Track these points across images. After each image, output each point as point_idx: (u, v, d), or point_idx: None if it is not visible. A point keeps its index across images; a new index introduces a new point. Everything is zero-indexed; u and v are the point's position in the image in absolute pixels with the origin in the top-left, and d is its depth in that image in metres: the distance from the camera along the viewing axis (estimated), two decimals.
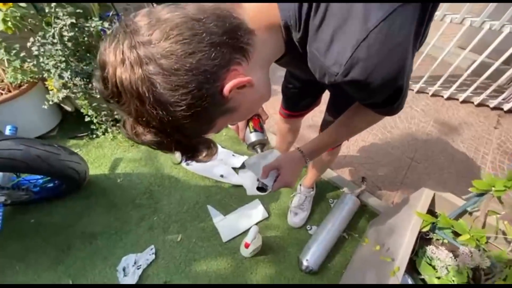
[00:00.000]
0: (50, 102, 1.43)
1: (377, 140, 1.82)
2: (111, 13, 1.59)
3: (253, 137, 0.65)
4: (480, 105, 2.07)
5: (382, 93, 0.47)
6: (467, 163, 1.74)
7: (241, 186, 1.54)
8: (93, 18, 1.42)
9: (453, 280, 0.78)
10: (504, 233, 0.84)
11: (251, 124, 0.67)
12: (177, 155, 0.43)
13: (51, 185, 1.33)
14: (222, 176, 1.55)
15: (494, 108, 2.05)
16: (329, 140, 0.72)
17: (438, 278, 0.84)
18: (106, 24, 1.38)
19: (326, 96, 0.98)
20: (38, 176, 1.28)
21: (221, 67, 0.35)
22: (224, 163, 1.63)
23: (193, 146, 0.42)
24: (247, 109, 0.46)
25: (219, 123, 0.42)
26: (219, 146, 1.73)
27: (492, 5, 1.58)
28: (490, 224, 0.87)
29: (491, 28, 1.67)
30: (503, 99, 1.99)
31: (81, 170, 1.29)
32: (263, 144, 0.66)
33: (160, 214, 1.42)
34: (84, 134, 1.73)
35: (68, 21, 1.27)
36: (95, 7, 1.49)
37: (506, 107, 2.00)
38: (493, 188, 0.77)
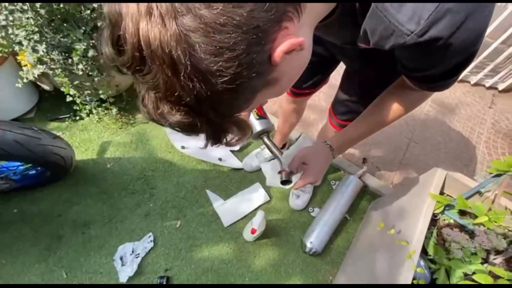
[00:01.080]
0: (25, 80, 1.27)
1: None
2: None
3: (258, 125, 0.58)
4: (476, 84, 2.07)
5: (455, 58, 0.40)
6: (463, 143, 1.76)
7: (240, 169, 1.48)
8: None
9: (467, 261, 0.78)
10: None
11: (255, 111, 0.60)
12: (201, 139, 0.34)
13: (33, 172, 1.22)
14: (220, 159, 1.48)
15: (490, 88, 2.06)
16: (359, 134, 0.66)
17: (449, 259, 0.84)
18: None
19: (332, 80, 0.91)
20: (18, 163, 1.16)
21: (274, 22, 0.26)
22: (221, 146, 1.55)
23: (225, 127, 0.34)
24: (290, 80, 0.37)
25: (258, 98, 0.34)
26: None
27: None
28: (500, 205, 0.87)
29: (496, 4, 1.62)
30: (498, 79, 2.00)
31: (66, 155, 1.18)
32: (268, 131, 0.59)
33: (156, 200, 1.35)
34: (66, 116, 1.58)
35: None
36: None
37: (501, 86, 2.01)
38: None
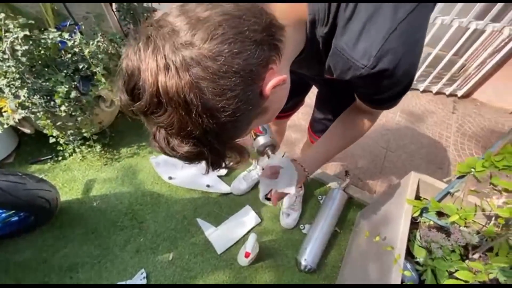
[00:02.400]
0: (5, 126, 1.26)
1: None
2: (68, 23, 1.46)
3: (261, 140, 0.62)
4: (437, 93, 2.27)
5: (400, 84, 0.49)
6: (434, 147, 1.89)
7: (229, 194, 1.50)
8: (49, 29, 1.29)
9: (448, 259, 0.84)
10: (483, 210, 0.92)
11: (253, 131, 0.65)
12: (202, 165, 0.39)
13: (15, 218, 1.18)
14: (208, 186, 1.50)
15: (450, 95, 2.26)
16: (328, 156, 0.73)
17: (433, 259, 0.89)
18: (66, 35, 1.25)
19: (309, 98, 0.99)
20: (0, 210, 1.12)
21: (262, 67, 0.33)
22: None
23: (226, 153, 0.39)
24: (277, 108, 0.45)
25: (253, 124, 0.41)
26: None
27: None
28: (470, 203, 0.95)
29: (442, 22, 1.83)
30: (456, 86, 2.20)
31: (52, 198, 1.16)
32: (273, 145, 0.63)
33: (146, 234, 1.33)
34: (48, 157, 1.56)
35: (21, 34, 1.14)
36: (50, 17, 1.36)
37: (459, 93, 2.21)
38: (473, 169, 0.83)
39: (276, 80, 0.35)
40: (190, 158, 0.36)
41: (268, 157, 0.63)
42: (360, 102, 0.60)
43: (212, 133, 0.33)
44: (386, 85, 0.49)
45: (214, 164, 0.39)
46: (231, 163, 0.41)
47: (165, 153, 0.36)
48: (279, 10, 0.37)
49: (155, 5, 1.80)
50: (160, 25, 0.30)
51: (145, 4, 1.74)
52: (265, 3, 0.37)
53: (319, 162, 0.73)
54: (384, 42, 0.41)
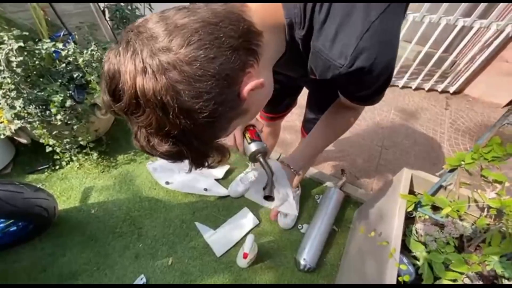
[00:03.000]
0: (1, 136, 1.27)
1: (347, 134, 1.91)
2: (62, 33, 1.48)
3: (253, 147, 0.63)
4: (430, 90, 2.30)
5: (378, 81, 0.51)
6: (428, 144, 1.91)
7: (227, 196, 1.51)
8: (43, 39, 1.30)
9: (443, 252, 0.85)
10: (475, 201, 0.93)
11: (247, 135, 0.66)
12: (186, 164, 0.41)
13: (14, 228, 1.18)
14: (205, 189, 1.51)
15: (442, 92, 2.29)
16: (314, 151, 0.75)
17: (429, 252, 0.90)
18: (60, 45, 1.27)
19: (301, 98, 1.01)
20: None
21: (239, 71, 0.35)
22: (205, 176, 1.59)
23: (207, 152, 0.41)
24: (257, 109, 0.47)
25: (233, 125, 0.42)
26: None
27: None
28: (462, 195, 0.96)
29: (430, 21, 1.87)
30: (448, 83, 2.23)
31: (49, 206, 1.16)
32: (264, 152, 0.64)
33: (145, 239, 1.33)
34: (45, 166, 1.57)
35: (15, 45, 1.15)
36: (43, 28, 1.38)
37: (451, 89, 2.24)
38: (463, 162, 0.85)
39: (253, 84, 0.37)
40: (170, 157, 0.37)
41: (260, 163, 0.63)
42: (344, 98, 0.62)
43: (190, 133, 0.35)
44: (365, 82, 0.51)
45: (196, 163, 0.41)
46: (214, 162, 0.43)
47: (146, 152, 0.37)
48: (256, 16, 0.39)
49: (148, 13, 1.83)
50: (139, 31, 0.32)
51: (137, 13, 1.77)
52: (245, 6, 0.39)
53: (306, 158, 0.74)
54: (359, 42, 0.42)
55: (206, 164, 0.42)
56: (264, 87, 0.40)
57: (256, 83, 0.37)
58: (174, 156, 0.37)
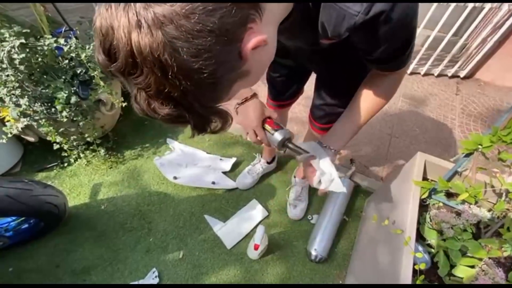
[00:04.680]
0: (9, 135, 1.28)
1: None
2: (63, 29, 1.46)
3: (278, 136, 0.62)
4: (439, 75, 2.24)
5: (398, 33, 0.47)
6: (439, 130, 1.86)
7: (235, 189, 1.50)
8: (45, 36, 1.29)
9: (460, 239, 0.83)
10: (492, 186, 0.90)
11: (268, 127, 0.65)
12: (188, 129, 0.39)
13: (26, 226, 1.19)
14: (213, 183, 1.50)
15: (452, 77, 2.23)
16: (354, 128, 0.70)
17: (444, 240, 0.88)
18: (61, 41, 1.26)
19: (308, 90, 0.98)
20: (9, 219, 1.13)
21: (240, 25, 0.32)
22: (213, 169, 1.58)
23: (209, 117, 0.39)
24: (259, 70, 0.43)
25: (234, 88, 0.39)
26: (204, 153, 1.67)
27: None
28: (479, 181, 0.93)
29: (440, 3, 1.80)
30: (458, 67, 2.17)
31: (59, 203, 1.17)
32: (290, 138, 0.63)
33: (155, 233, 1.34)
34: (54, 164, 1.58)
35: (17, 42, 1.14)
36: (44, 24, 1.36)
37: (462, 74, 2.18)
38: (480, 146, 0.82)
39: (256, 41, 0.34)
40: (171, 121, 0.35)
41: (291, 149, 0.62)
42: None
43: (191, 95, 0.32)
44: (383, 34, 0.46)
45: (198, 128, 0.39)
46: (216, 128, 0.41)
47: (147, 115, 0.35)
48: None
49: None
50: None
51: None
52: None
53: (346, 136, 0.71)
54: None
55: (208, 129, 0.40)
56: (267, 45, 0.37)
57: (259, 39, 0.34)
58: (175, 120, 0.35)
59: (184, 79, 0.30)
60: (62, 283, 1.17)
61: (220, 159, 1.63)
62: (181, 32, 0.28)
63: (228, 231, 1.34)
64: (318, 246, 1.23)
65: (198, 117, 0.37)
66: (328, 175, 0.65)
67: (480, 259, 0.80)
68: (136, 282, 1.17)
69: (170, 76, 0.29)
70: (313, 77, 0.95)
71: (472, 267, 0.80)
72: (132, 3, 0.27)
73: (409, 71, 2.27)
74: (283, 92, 1.03)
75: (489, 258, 0.80)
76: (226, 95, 0.39)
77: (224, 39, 0.30)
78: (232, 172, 1.58)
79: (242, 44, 0.33)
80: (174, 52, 0.28)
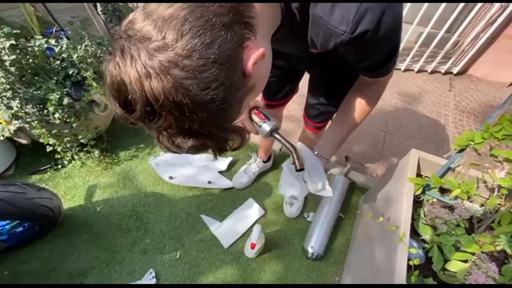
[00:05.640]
0: (1, 138, 1.26)
1: None
2: (54, 29, 1.44)
3: (265, 127, 0.63)
4: (433, 72, 2.25)
5: (384, 46, 0.48)
6: (433, 127, 1.88)
7: (231, 188, 1.50)
8: (35, 36, 1.27)
9: (453, 234, 0.84)
10: (485, 182, 0.92)
11: (255, 118, 0.65)
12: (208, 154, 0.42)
13: (20, 229, 1.18)
14: (209, 182, 1.50)
15: (445, 73, 2.24)
16: (342, 136, 0.74)
17: (438, 235, 0.89)
18: (52, 41, 1.24)
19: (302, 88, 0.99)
20: (3, 222, 1.12)
21: (238, 47, 0.34)
22: (208, 169, 1.58)
23: (227, 137, 0.41)
24: (262, 82, 0.45)
25: (245, 104, 0.41)
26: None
27: None
28: (472, 177, 0.95)
29: None
30: (451, 64, 2.19)
31: (54, 206, 1.16)
32: (277, 129, 0.64)
33: (152, 234, 1.33)
34: (47, 166, 1.56)
35: (7, 44, 1.13)
36: (35, 25, 1.34)
37: (455, 70, 2.20)
38: (472, 142, 0.83)
39: (256, 56, 0.36)
40: (197, 150, 0.38)
41: (278, 140, 0.63)
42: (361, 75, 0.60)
43: (209, 123, 0.34)
44: (370, 49, 0.48)
45: (219, 149, 0.41)
46: (235, 145, 0.43)
47: (172, 151, 0.37)
48: None
49: (140, 5, 1.78)
50: (129, 34, 0.31)
51: (130, 5, 1.72)
52: None
53: (335, 145, 0.74)
54: (360, 5, 0.40)
55: (228, 147, 0.42)
56: (266, 57, 0.39)
57: (258, 55, 0.36)
58: (199, 149, 0.38)
59: (200, 112, 0.32)
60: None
61: (216, 159, 1.63)
62: (187, 71, 0.30)
63: (225, 230, 1.34)
64: (314, 244, 1.24)
65: (218, 140, 0.39)
66: (321, 185, 0.69)
67: (473, 254, 0.82)
68: (133, 284, 1.17)
69: (187, 113, 0.31)
70: (307, 75, 0.95)
71: (466, 261, 0.81)
72: (137, 57, 0.29)
73: (403, 68, 2.28)
74: (277, 92, 1.03)
75: (482, 252, 0.81)
76: (239, 113, 0.41)
77: (227, 65, 0.32)
78: (228, 172, 1.58)
79: (243, 63, 0.35)
80: (186, 91, 0.30)
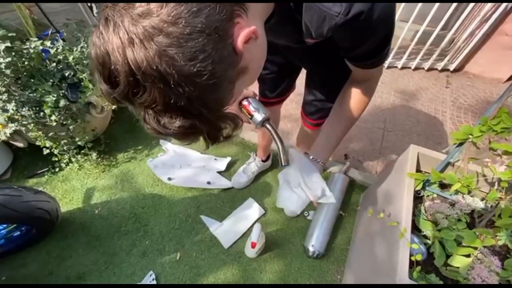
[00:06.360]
0: None
1: None
2: (50, 32, 1.44)
3: (258, 117, 0.62)
4: (430, 69, 2.26)
5: (378, 31, 0.48)
6: (431, 123, 1.89)
7: (231, 188, 1.49)
8: (31, 39, 1.26)
9: (454, 228, 0.83)
10: (484, 176, 0.92)
11: (244, 110, 0.65)
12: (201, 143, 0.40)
13: (17, 233, 1.16)
14: (209, 183, 1.49)
15: (442, 70, 2.25)
16: (338, 136, 0.73)
17: (439, 230, 0.89)
18: (48, 43, 1.23)
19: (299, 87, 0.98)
20: (0, 226, 1.11)
21: (227, 20, 0.32)
22: (207, 170, 1.57)
23: (219, 124, 0.39)
24: (257, 66, 0.44)
25: (237, 87, 0.39)
26: (198, 153, 1.66)
27: None
28: (470, 171, 0.95)
29: None
30: (448, 61, 2.20)
31: (51, 209, 1.14)
32: (269, 118, 0.64)
33: (151, 236, 1.32)
34: (45, 169, 1.54)
35: (2, 46, 1.12)
36: (30, 27, 1.34)
37: (451, 67, 2.21)
38: (470, 136, 0.83)
39: (246, 33, 0.34)
40: (185, 133, 0.35)
41: (269, 130, 0.63)
42: (352, 70, 0.59)
43: (197, 101, 0.32)
44: (364, 33, 0.48)
45: (211, 137, 0.39)
46: (228, 133, 0.41)
47: (159, 133, 0.35)
48: None
49: None
50: (114, 3, 0.30)
51: None
52: None
53: (330, 149, 0.73)
54: None
55: (221, 136, 0.40)
56: (259, 39, 0.38)
57: (248, 32, 0.35)
58: (188, 132, 0.35)
59: (186, 85, 0.30)
60: None
61: (215, 159, 1.62)
62: (172, 39, 0.28)
63: (225, 230, 1.33)
64: (315, 242, 1.23)
65: (209, 124, 0.37)
66: (321, 191, 0.68)
67: (475, 248, 0.81)
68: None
69: (172, 85, 0.30)
70: (304, 73, 0.95)
71: (468, 256, 0.81)
72: (120, 23, 0.28)
73: (399, 66, 2.29)
74: (274, 89, 1.03)
75: (484, 247, 0.81)
76: (230, 96, 0.39)
77: (215, 36, 0.31)
78: (227, 172, 1.57)
79: (233, 39, 0.34)
80: (171, 60, 0.29)
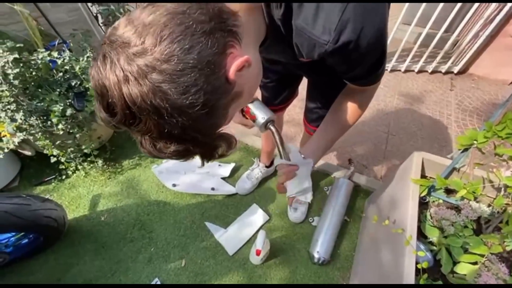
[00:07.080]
0: (5, 150, 1.27)
1: None
2: (56, 42, 1.47)
3: (261, 119, 0.63)
4: (433, 72, 2.25)
5: (370, 56, 0.48)
6: (436, 127, 1.87)
7: (235, 194, 1.50)
8: (38, 50, 1.29)
9: (461, 235, 0.82)
10: (490, 181, 0.91)
11: (247, 115, 0.65)
12: (197, 160, 0.42)
13: (25, 241, 1.18)
14: (213, 189, 1.50)
15: (446, 73, 2.24)
16: (327, 141, 0.73)
17: (446, 237, 0.88)
18: (55, 54, 1.26)
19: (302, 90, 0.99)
20: (8, 234, 1.12)
21: (220, 54, 0.34)
22: (211, 176, 1.58)
23: (213, 144, 0.40)
24: (250, 90, 0.45)
25: (231, 111, 0.41)
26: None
27: None
28: (476, 176, 0.94)
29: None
30: (451, 63, 2.18)
31: (58, 216, 1.16)
32: (273, 120, 0.64)
33: (157, 243, 1.33)
34: (52, 177, 1.57)
35: (11, 57, 1.14)
36: (38, 38, 1.37)
37: (455, 69, 2.19)
38: (475, 141, 0.82)
39: (239, 63, 0.36)
40: (179, 156, 0.37)
41: (272, 131, 0.63)
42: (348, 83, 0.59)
43: (191, 129, 0.34)
44: (356, 59, 0.48)
45: (206, 156, 0.41)
46: (223, 152, 0.42)
47: (155, 156, 0.37)
48: None
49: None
50: (111, 40, 0.31)
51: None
52: None
53: (321, 151, 0.73)
54: (342, 15, 0.40)
55: (216, 155, 0.42)
56: (252, 65, 0.39)
57: (241, 61, 0.36)
58: (182, 155, 0.37)
59: (179, 116, 0.32)
60: None
61: (219, 165, 1.63)
62: (165, 75, 0.30)
63: (230, 237, 1.33)
64: (320, 249, 1.22)
65: (204, 146, 0.38)
66: (305, 187, 0.70)
67: (482, 255, 0.80)
68: None
69: (166, 117, 0.31)
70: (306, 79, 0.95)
71: (475, 263, 0.80)
72: (116, 62, 0.30)
73: (403, 69, 2.28)
74: (276, 97, 1.03)
75: (491, 253, 0.80)
76: (224, 119, 0.40)
77: (207, 70, 0.32)
78: (231, 178, 1.58)
79: (226, 70, 0.35)
80: (164, 95, 0.30)
